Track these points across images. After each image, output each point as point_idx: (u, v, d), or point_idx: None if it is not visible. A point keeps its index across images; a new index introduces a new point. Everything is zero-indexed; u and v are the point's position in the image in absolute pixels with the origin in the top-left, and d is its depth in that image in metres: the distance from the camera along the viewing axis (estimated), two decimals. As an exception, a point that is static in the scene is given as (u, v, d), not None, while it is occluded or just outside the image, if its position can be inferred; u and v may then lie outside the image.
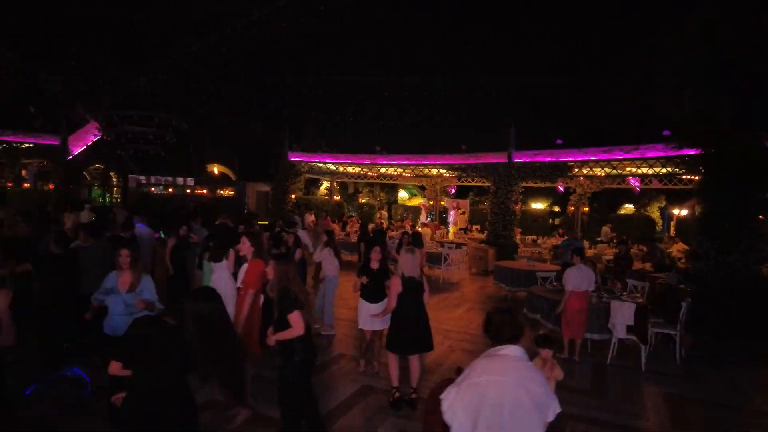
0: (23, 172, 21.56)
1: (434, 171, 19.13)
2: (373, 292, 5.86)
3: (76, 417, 4.56)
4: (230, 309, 6.54)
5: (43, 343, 5.48)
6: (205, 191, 24.64)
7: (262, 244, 5.33)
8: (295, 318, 3.67)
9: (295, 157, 19.70)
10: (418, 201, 27.81)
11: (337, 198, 25.80)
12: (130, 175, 22.93)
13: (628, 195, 23.07)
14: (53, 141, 17.69)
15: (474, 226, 20.17)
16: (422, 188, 25.12)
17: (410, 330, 5.01)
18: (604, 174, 15.95)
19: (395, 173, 20.62)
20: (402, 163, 18.42)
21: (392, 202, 28.44)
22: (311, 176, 22.61)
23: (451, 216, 20.52)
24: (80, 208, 11.47)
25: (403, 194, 30.49)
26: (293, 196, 19.87)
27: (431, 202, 21.83)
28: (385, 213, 22.67)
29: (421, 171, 19.30)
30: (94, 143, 20.35)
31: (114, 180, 28.75)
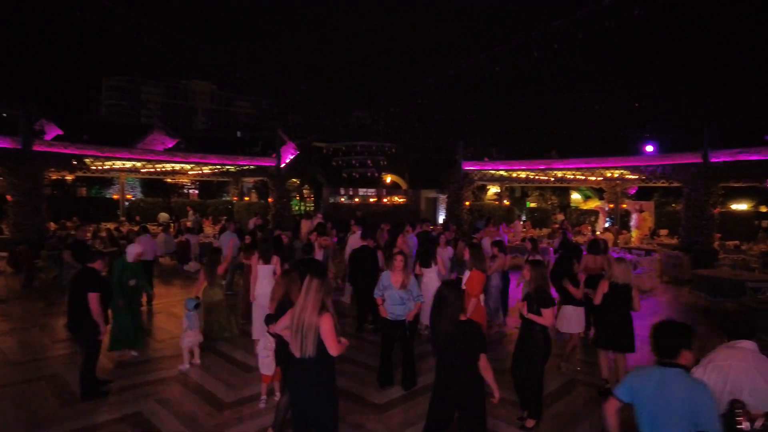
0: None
1: (615, 173, 18.39)
2: (571, 297, 6.54)
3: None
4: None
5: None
6: (383, 200, 27.06)
7: (482, 254, 6.29)
8: (549, 313, 4.67)
9: (468, 166, 20.67)
10: (594, 203, 26.64)
11: (506, 202, 26.13)
12: (324, 188, 26.43)
13: None
14: (270, 162, 21.42)
15: (662, 231, 18.88)
16: (599, 190, 24.09)
17: (613, 329, 5.58)
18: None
19: (571, 177, 20.27)
20: (580, 166, 18.11)
21: (564, 206, 27.66)
22: (481, 183, 23.37)
23: (634, 219, 19.40)
24: (312, 216, 14.01)
25: (576, 196, 29.42)
26: (467, 203, 20.88)
27: (611, 205, 20.92)
28: (562, 217, 22.32)
29: (602, 174, 18.68)
30: (291, 160, 23.94)
31: (305, 192, 33.17)
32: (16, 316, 9.11)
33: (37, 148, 14.45)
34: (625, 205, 20.42)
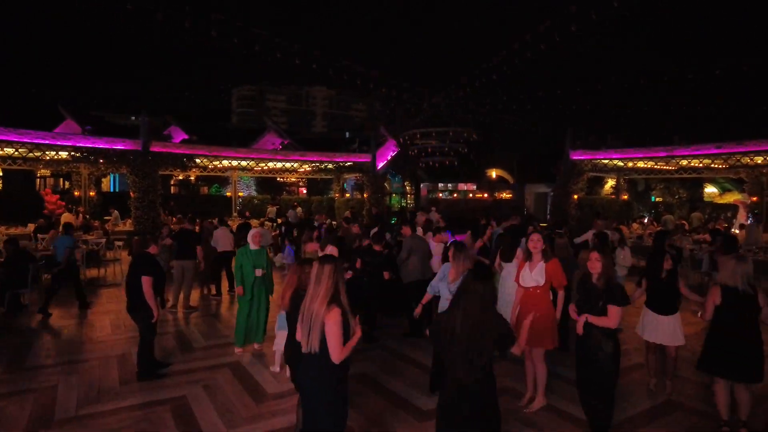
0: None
1: (758, 159, 15.51)
2: (659, 302, 5.19)
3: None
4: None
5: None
6: (485, 195, 25.96)
7: (552, 243, 5.45)
8: (616, 311, 3.78)
9: (577, 156, 18.87)
10: (732, 197, 22.97)
11: (624, 197, 23.53)
12: (422, 184, 26.04)
13: None
14: (365, 159, 21.55)
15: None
16: (738, 181, 20.70)
17: (730, 351, 4.24)
18: None
19: (700, 165, 17.55)
20: (710, 152, 15.54)
21: (695, 200, 24.20)
22: (595, 174, 21.30)
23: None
24: (429, 210, 13.76)
25: (711, 190, 25.63)
26: (575, 197, 19.09)
27: (754, 198, 17.78)
28: (699, 215, 19.45)
29: (738, 160, 15.84)
30: (392, 158, 23.88)
31: (407, 188, 33.10)
32: (123, 298, 9.94)
33: (153, 149, 15.91)
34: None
